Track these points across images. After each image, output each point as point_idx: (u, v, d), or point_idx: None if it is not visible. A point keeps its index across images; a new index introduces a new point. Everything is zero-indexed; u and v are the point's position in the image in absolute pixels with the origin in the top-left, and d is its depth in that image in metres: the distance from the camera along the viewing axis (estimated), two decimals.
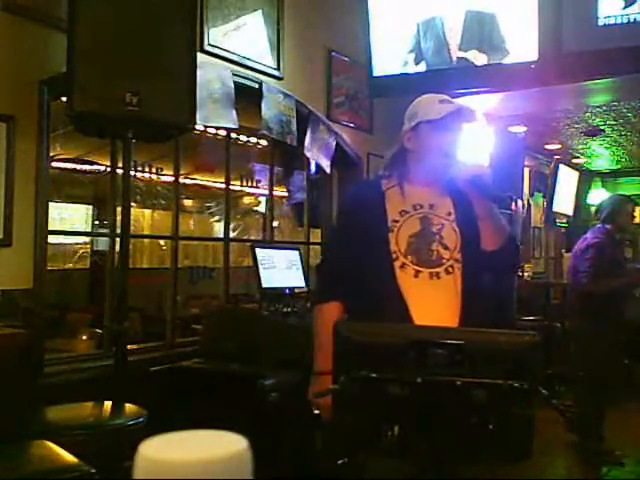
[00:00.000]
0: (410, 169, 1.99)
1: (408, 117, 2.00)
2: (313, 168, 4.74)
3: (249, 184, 6.87)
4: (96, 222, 5.94)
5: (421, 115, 1.95)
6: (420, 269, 1.85)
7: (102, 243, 5.08)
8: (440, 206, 1.96)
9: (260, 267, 3.43)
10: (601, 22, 3.61)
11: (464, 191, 1.94)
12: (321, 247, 4.85)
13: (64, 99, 2.54)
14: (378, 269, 1.87)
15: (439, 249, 1.89)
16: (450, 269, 1.87)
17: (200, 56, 2.99)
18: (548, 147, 8.36)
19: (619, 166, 10.19)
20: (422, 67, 4.09)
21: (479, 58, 3.92)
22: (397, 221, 1.91)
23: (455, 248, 1.90)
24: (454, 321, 1.83)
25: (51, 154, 2.93)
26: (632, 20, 3.55)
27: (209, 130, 4.32)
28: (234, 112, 3.52)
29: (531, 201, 8.49)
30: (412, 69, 4.11)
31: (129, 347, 2.93)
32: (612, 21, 3.58)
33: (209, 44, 3.49)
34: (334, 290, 1.96)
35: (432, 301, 1.83)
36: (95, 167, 5.63)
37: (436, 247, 1.89)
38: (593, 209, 10.57)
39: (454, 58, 3.99)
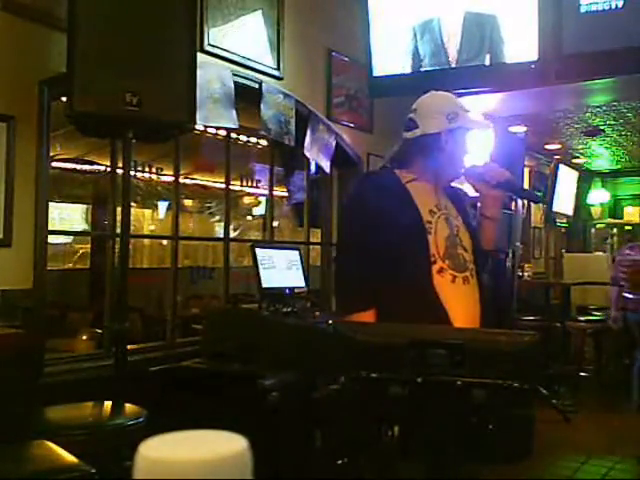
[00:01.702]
0: (423, 169, 1.92)
1: (445, 113, 1.90)
2: (313, 168, 4.74)
3: (249, 184, 6.87)
4: (96, 222, 5.94)
5: (464, 121, 1.92)
6: (456, 274, 1.82)
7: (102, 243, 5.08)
8: (450, 207, 1.94)
9: (260, 267, 3.43)
10: (583, 9, 3.61)
11: (460, 194, 1.98)
12: (321, 247, 4.85)
13: (64, 99, 2.54)
14: (416, 273, 1.79)
15: (463, 252, 1.87)
16: (472, 272, 1.87)
17: (200, 56, 2.98)
18: (548, 147, 8.36)
19: (619, 166, 10.19)
20: (421, 67, 4.09)
21: (478, 59, 3.92)
22: (430, 222, 1.84)
23: (471, 250, 1.90)
24: (477, 323, 1.83)
25: (51, 154, 2.93)
26: (613, 7, 3.55)
27: (209, 130, 4.32)
28: (234, 112, 3.52)
29: None
30: (412, 69, 4.11)
31: (129, 347, 2.93)
32: (594, 8, 3.58)
33: (209, 44, 3.49)
34: (368, 297, 1.80)
35: (467, 306, 1.82)
36: (95, 167, 5.63)
37: (460, 250, 1.87)
38: (594, 209, 10.64)
39: (452, 59, 4.00)
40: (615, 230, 10.52)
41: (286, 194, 6.14)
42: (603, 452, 4.23)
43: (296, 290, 3.65)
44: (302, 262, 3.83)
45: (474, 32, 3.93)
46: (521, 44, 3.79)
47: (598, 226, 10.92)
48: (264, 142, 4.77)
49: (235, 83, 3.57)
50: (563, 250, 9.30)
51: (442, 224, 1.86)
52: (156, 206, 6.72)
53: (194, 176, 6.54)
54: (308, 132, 4.11)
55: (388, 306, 1.78)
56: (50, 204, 2.92)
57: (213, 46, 3.52)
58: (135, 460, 0.50)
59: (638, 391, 5.03)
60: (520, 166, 5.65)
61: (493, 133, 5.11)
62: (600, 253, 8.88)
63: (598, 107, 6.43)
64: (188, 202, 6.78)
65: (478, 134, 4.65)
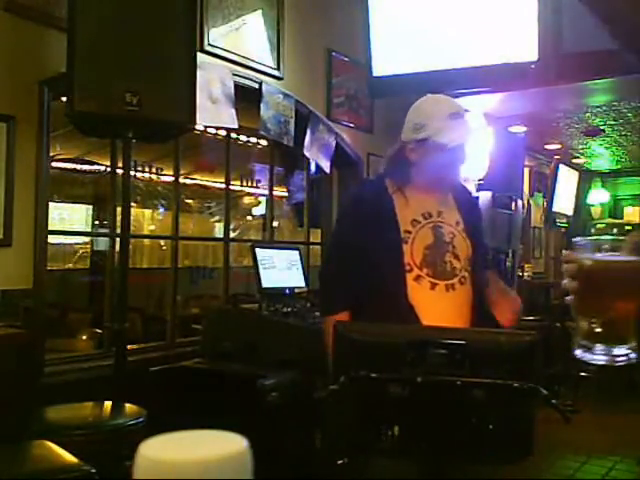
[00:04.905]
0: (412, 177, 1.95)
1: (413, 125, 1.91)
2: (313, 168, 4.74)
3: (249, 184, 6.87)
4: (96, 222, 5.95)
5: (431, 132, 1.87)
6: (436, 281, 1.84)
7: (102, 243, 5.08)
8: (448, 214, 1.94)
9: (260, 267, 3.43)
10: None
11: (470, 198, 1.98)
12: (321, 247, 4.85)
13: (64, 99, 2.54)
14: (389, 281, 1.83)
15: (452, 260, 1.88)
16: (463, 280, 1.87)
17: (200, 56, 2.98)
18: (548, 147, 8.36)
19: (619, 166, 10.19)
20: (422, 67, 4.09)
21: (479, 58, 3.92)
22: (410, 232, 1.87)
23: (466, 258, 1.90)
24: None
25: (51, 154, 2.92)
26: None
27: (209, 130, 4.32)
28: (234, 112, 3.52)
29: (531, 201, 8.49)
30: (412, 69, 4.10)
31: (129, 347, 2.93)
32: None
33: (209, 44, 3.49)
34: (342, 300, 1.90)
35: (446, 313, 1.82)
36: (95, 167, 5.64)
37: (449, 258, 1.88)
38: (594, 209, 10.63)
39: (453, 58, 3.99)
40: (615, 230, 10.51)
41: (286, 194, 6.14)
42: (603, 452, 4.23)
43: (296, 290, 3.65)
44: (302, 262, 3.83)
45: (475, 31, 3.92)
46: (521, 44, 3.79)
47: (598, 226, 10.91)
48: (264, 142, 4.77)
49: (235, 83, 3.57)
50: (563, 250, 9.28)
51: (425, 233, 1.88)
52: (156, 206, 6.73)
53: (194, 176, 6.55)
54: (308, 132, 4.11)
55: (365, 312, 1.85)
56: (50, 204, 2.92)
57: (213, 46, 3.52)
58: (135, 460, 0.50)
59: None
60: (520, 166, 5.65)
61: (493, 133, 5.12)
62: None
63: (598, 107, 6.42)
64: (188, 202, 6.78)
65: (478, 134, 4.66)
